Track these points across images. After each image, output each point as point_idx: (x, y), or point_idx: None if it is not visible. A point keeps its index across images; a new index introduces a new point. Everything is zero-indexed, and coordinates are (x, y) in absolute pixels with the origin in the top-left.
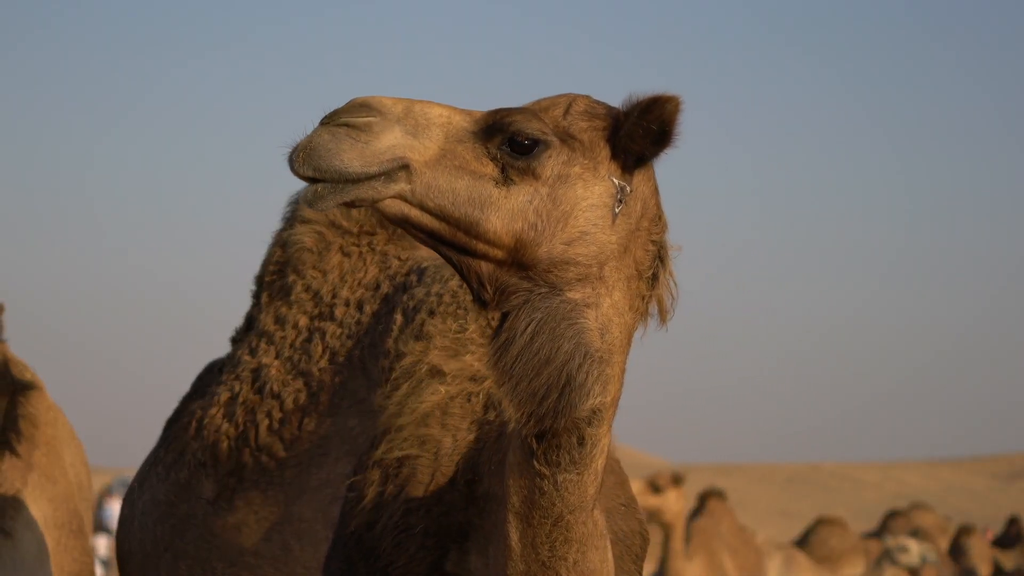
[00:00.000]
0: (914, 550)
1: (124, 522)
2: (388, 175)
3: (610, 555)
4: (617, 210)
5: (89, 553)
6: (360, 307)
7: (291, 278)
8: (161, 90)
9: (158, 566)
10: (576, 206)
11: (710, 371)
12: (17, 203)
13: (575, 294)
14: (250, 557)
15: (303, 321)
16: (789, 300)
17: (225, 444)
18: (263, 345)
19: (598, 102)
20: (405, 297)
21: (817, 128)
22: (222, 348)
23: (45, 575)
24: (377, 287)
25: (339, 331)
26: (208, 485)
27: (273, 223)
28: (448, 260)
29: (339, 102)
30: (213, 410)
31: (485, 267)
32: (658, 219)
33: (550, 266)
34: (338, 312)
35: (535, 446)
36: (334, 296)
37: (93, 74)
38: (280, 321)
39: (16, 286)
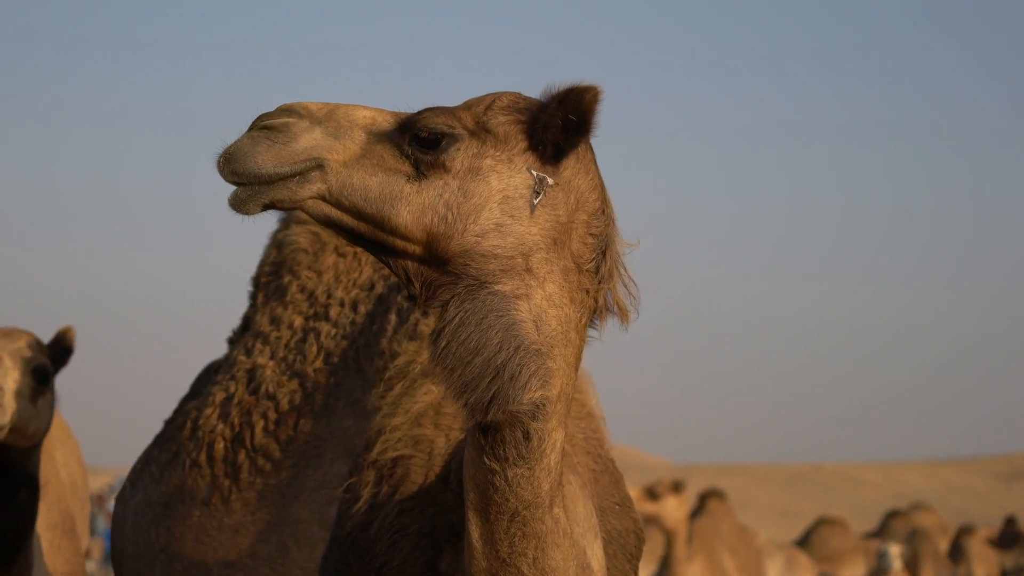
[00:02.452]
0: (894, 552)
1: (117, 522)
2: (302, 175)
3: (585, 554)
4: (536, 201)
5: (81, 554)
6: (355, 307)
7: (286, 279)
8: (161, 90)
9: (153, 567)
10: (489, 198)
11: (711, 371)
12: (17, 203)
13: (502, 286)
14: (246, 558)
15: (298, 321)
16: (789, 300)
17: (220, 445)
18: (258, 345)
19: (524, 97)
20: (399, 297)
21: (817, 127)
22: (223, 348)
23: (39, 575)
24: (371, 287)
25: (334, 331)
26: (203, 486)
27: (273, 223)
28: (379, 259)
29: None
30: (208, 411)
31: (410, 264)
32: (600, 213)
33: (466, 259)
34: (333, 312)
35: (483, 441)
36: (329, 296)
37: (93, 74)
38: (275, 321)
39: (16, 286)
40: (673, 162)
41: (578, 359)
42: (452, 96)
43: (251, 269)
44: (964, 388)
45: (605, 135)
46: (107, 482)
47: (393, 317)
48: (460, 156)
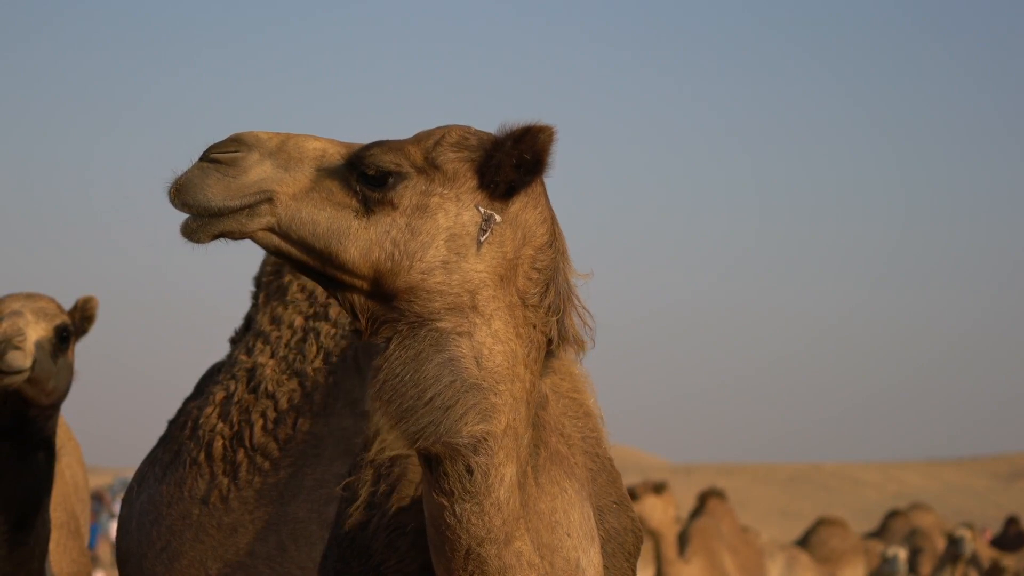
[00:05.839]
0: (902, 556)
1: (123, 522)
2: (251, 208)
3: (579, 565)
4: (482, 239)
5: (85, 554)
6: None
7: (287, 278)
8: (161, 90)
9: (155, 566)
10: (435, 236)
11: (710, 371)
12: (17, 203)
13: (444, 324)
14: (245, 557)
15: (298, 321)
16: (789, 300)
17: (220, 444)
18: (259, 345)
19: (474, 133)
20: None
21: (816, 127)
22: (226, 349)
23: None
24: None
25: (333, 331)
26: (203, 485)
27: None
28: (327, 292)
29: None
30: (208, 409)
31: (356, 298)
32: (547, 246)
33: (411, 296)
34: (332, 312)
35: (430, 475)
36: (328, 296)
37: (93, 74)
38: (276, 321)
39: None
40: (673, 162)
41: (530, 393)
42: (450, 95)
43: (253, 269)
44: (964, 388)
45: (606, 137)
46: (107, 482)
47: None
48: (408, 194)
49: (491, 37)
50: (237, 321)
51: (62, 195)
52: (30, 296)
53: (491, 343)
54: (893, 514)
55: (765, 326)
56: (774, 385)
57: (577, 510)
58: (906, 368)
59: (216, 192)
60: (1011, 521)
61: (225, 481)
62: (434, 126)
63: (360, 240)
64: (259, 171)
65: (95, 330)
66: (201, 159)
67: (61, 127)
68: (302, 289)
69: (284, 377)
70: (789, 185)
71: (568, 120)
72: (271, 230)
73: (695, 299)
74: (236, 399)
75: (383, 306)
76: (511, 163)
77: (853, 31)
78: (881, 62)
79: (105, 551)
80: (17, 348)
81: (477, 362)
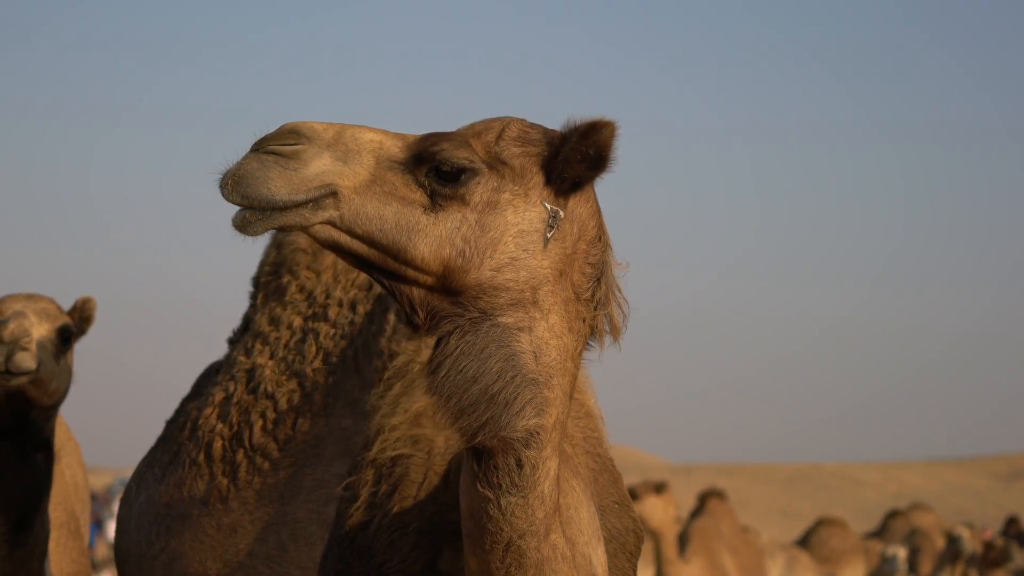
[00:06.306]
0: (902, 555)
1: (122, 523)
2: (316, 202)
3: (591, 563)
4: (549, 235)
5: (85, 554)
6: (353, 307)
7: (285, 279)
8: (161, 90)
9: (153, 566)
10: (505, 232)
11: (711, 371)
12: (17, 203)
13: (507, 319)
14: (245, 557)
15: (297, 321)
16: (789, 300)
17: (219, 444)
18: (258, 346)
19: (532, 126)
20: None
21: (816, 127)
22: (224, 348)
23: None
24: (370, 287)
25: (332, 331)
26: (202, 485)
27: None
28: (381, 285)
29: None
30: (208, 410)
31: (416, 292)
32: (597, 240)
33: (479, 292)
34: (331, 312)
35: (476, 468)
36: (327, 296)
37: (93, 74)
38: (275, 322)
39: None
40: (672, 161)
41: (573, 387)
42: (450, 96)
43: (251, 269)
44: (964, 388)
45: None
46: (107, 482)
47: (392, 317)
48: (479, 190)
49: (491, 37)
50: (235, 321)
51: (62, 195)
52: (31, 297)
53: (548, 337)
54: (893, 514)
55: (765, 326)
56: (774, 385)
57: (585, 508)
58: (906, 368)
59: (280, 186)
60: (1011, 521)
61: (225, 482)
62: (434, 127)
63: (430, 236)
64: (319, 164)
65: (95, 330)
66: (257, 151)
67: (61, 127)
68: (301, 290)
69: (283, 378)
70: (789, 185)
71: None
72: (331, 224)
73: (695, 299)
74: (235, 400)
75: (446, 301)
76: (577, 159)
77: (853, 31)
78: (881, 62)
79: (102, 551)
80: (25, 349)
81: (535, 357)
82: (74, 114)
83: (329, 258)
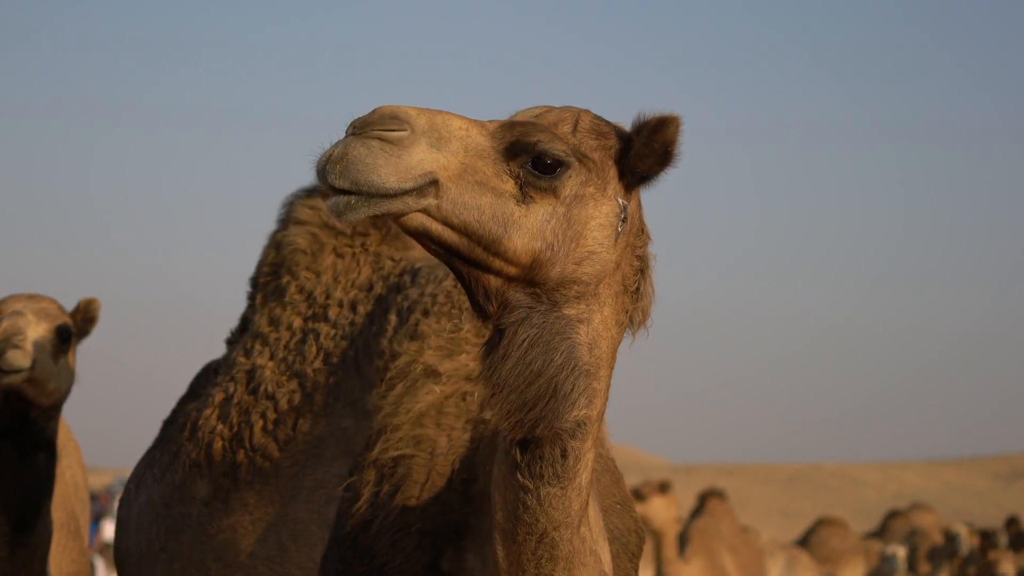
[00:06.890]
0: (901, 555)
1: (121, 524)
2: (420, 191)
3: (602, 568)
4: (620, 229)
5: (85, 554)
6: (354, 308)
7: (285, 279)
8: (161, 90)
9: (153, 567)
10: (587, 226)
11: (711, 371)
12: (17, 203)
13: (570, 310)
14: (245, 558)
15: (297, 322)
16: (789, 300)
17: (219, 445)
18: (258, 346)
19: (600, 118)
20: (399, 297)
21: (816, 127)
22: (222, 348)
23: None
24: (370, 288)
25: (333, 332)
26: (202, 486)
27: (272, 223)
28: (457, 272)
29: (358, 106)
30: (208, 411)
31: (495, 282)
32: (641, 232)
33: (559, 285)
34: (332, 313)
35: (519, 458)
36: (327, 297)
37: (93, 74)
38: (274, 322)
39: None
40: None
41: (611, 378)
42: (450, 96)
43: (250, 269)
44: (964, 388)
45: None
46: (107, 482)
47: (393, 317)
48: (570, 183)
49: (491, 37)
50: (233, 322)
51: (62, 195)
52: (31, 297)
53: (602, 330)
54: (893, 514)
55: (765, 326)
56: (774, 385)
57: (591, 507)
58: (906, 368)
59: (388, 172)
60: (1011, 521)
61: (225, 482)
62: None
63: (523, 229)
64: (419, 151)
65: (95, 330)
66: (359, 135)
67: (61, 127)
68: (300, 290)
69: (284, 378)
70: (789, 185)
71: None
72: (426, 212)
73: (695, 299)
74: (236, 400)
75: (523, 292)
76: (648, 153)
77: (853, 31)
78: (881, 62)
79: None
80: (16, 347)
81: (590, 349)
82: (74, 114)
83: (329, 259)
